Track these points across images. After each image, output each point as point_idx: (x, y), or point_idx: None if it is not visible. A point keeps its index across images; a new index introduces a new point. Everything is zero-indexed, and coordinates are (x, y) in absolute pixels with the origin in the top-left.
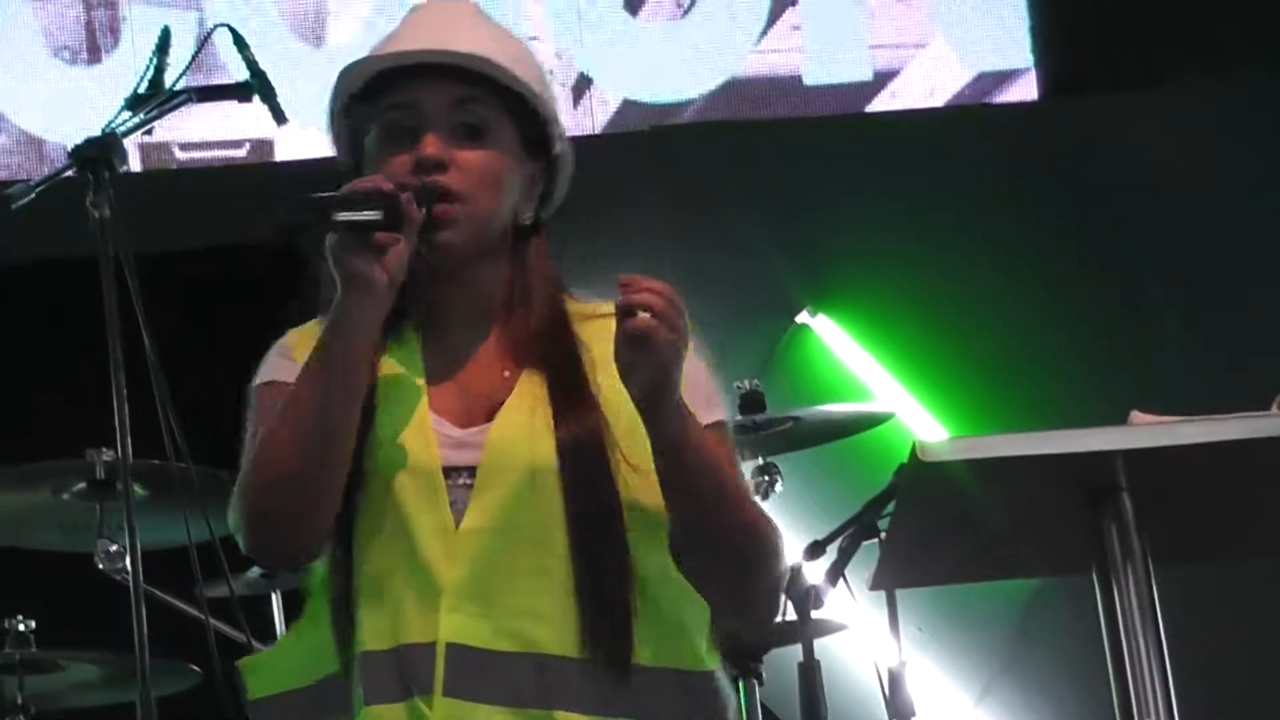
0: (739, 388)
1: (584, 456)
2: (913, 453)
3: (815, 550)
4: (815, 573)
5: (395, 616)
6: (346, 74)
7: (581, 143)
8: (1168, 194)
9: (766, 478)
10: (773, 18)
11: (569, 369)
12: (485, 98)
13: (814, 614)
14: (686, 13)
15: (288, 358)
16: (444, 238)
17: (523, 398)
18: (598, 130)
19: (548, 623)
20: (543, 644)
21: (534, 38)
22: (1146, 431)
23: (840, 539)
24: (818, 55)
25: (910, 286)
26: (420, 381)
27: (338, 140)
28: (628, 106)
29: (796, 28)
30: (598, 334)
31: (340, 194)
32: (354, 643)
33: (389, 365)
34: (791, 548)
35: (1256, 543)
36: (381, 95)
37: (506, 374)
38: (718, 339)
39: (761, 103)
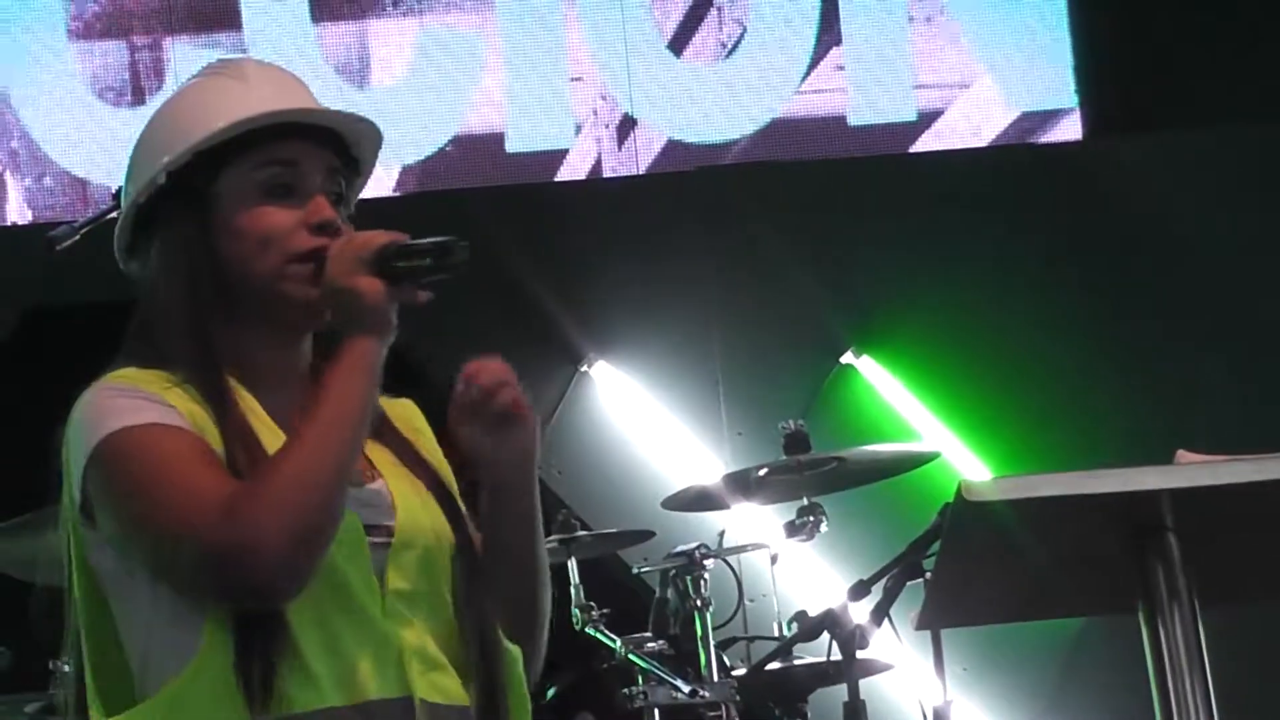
0: (784, 428)
1: (463, 524)
2: (958, 492)
3: (860, 590)
4: (860, 612)
5: (352, 671)
6: (201, 127)
7: (627, 183)
8: (1208, 234)
9: (811, 518)
10: (817, 58)
11: (403, 439)
12: (343, 169)
13: (859, 654)
14: (730, 53)
15: (153, 400)
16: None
17: (386, 465)
18: (642, 171)
19: (460, 679)
20: (464, 699)
21: (578, 78)
22: (1193, 471)
23: (885, 579)
24: (862, 95)
25: (954, 327)
26: (282, 434)
27: (146, 187)
28: (672, 147)
29: (840, 68)
30: (396, 414)
31: (414, 243)
32: (294, 699)
33: (244, 411)
34: (836, 587)
35: None
36: (248, 150)
37: None
38: (762, 379)
39: (806, 143)
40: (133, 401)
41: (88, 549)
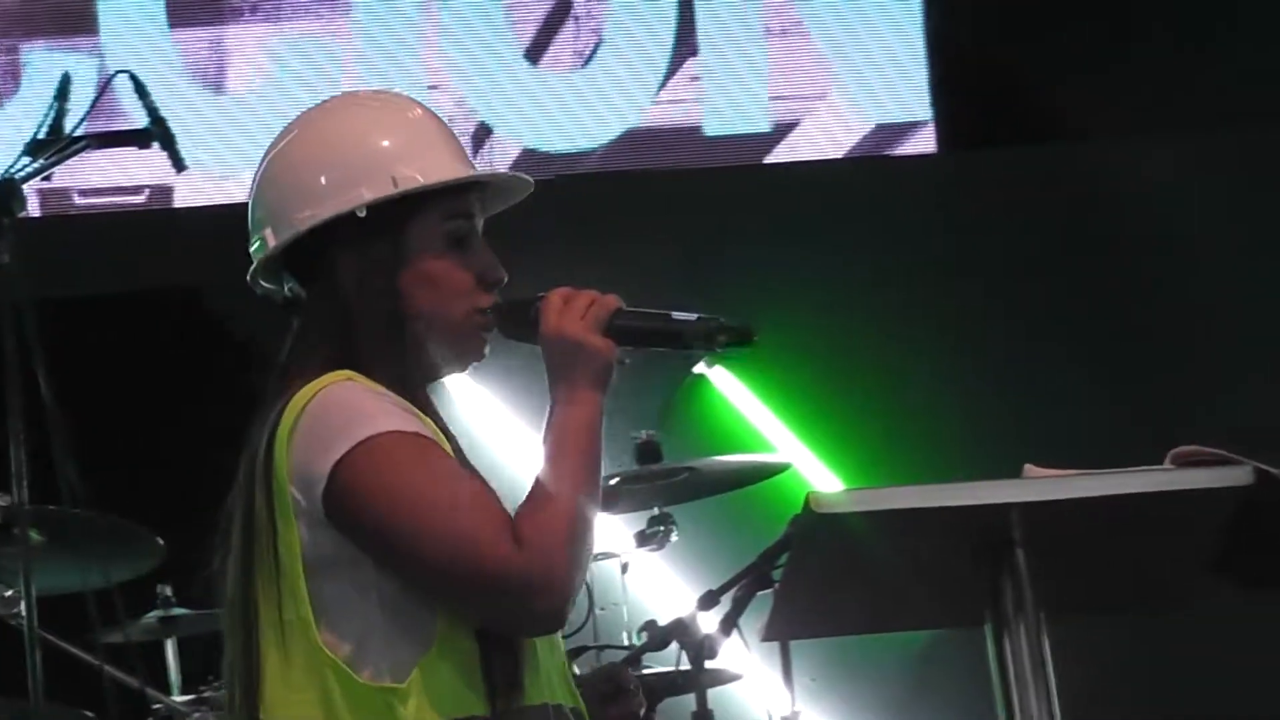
0: (636, 438)
1: None
2: (806, 504)
3: (710, 600)
4: (710, 622)
5: (549, 674)
6: (414, 168)
7: None
8: (1063, 246)
9: (662, 527)
10: (673, 68)
11: None
12: None
13: (708, 663)
14: (587, 63)
15: (403, 409)
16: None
17: None
18: None
19: None
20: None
21: (434, 86)
22: (1040, 485)
23: (735, 589)
24: (717, 106)
25: (807, 338)
26: None
27: (382, 217)
28: (528, 156)
29: (696, 79)
30: None
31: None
32: (528, 692)
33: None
34: (686, 597)
35: (1149, 597)
36: (440, 198)
37: None
38: (615, 389)
39: (662, 153)
40: (388, 405)
41: (299, 532)
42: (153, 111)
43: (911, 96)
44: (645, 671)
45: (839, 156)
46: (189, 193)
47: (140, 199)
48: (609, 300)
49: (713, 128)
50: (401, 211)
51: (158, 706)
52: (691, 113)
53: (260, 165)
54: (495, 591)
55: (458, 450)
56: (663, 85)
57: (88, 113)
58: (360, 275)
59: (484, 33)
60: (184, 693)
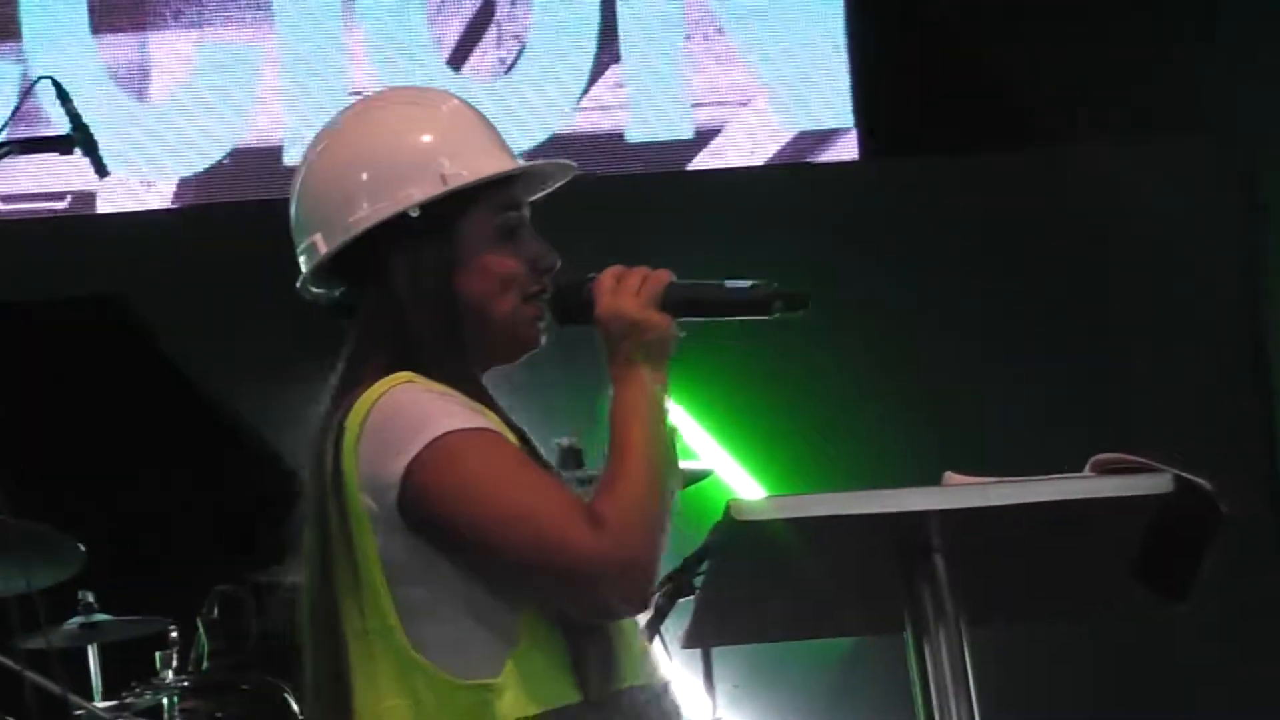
0: (559, 443)
1: None
2: (727, 511)
3: None
4: None
5: (629, 656)
6: (461, 164)
7: None
8: (983, 252)
9: None
10: (595, 75)
11: None
12: None
13: None
14: (510, 69)
15: (467, 406)
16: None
17: None
18: None
19: None
20: None
21: (357, 93)
22: (960, 492)
23: (656, 596)
24: (640, 113)
25: (729, 344)
26: None
27: (436, 210)
28: None
29: (619, 85)
30: None
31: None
32: (624, 675)
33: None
34: None
35: (1069, 604)
36: (492, 192)
37: None
38: (539, 394)
39: (584, 159)
40: (454, 404)
41: (375, 539)
42: (75, 118)
43: (834, 104)
44: None
45: (762, 163)
46: (112, 199)
47: (62, 205)
48: (661, 275)
49: (636, 134)
50: (452, 208)
51: (80, 713)
52: (614, 119)
53: (301, 169)
54: (578, 578)
55: (525, 441)
56: (585, 92)
57: (10, 118)
58: (413, 275)
59: (406, 41)
60: (105, 699)
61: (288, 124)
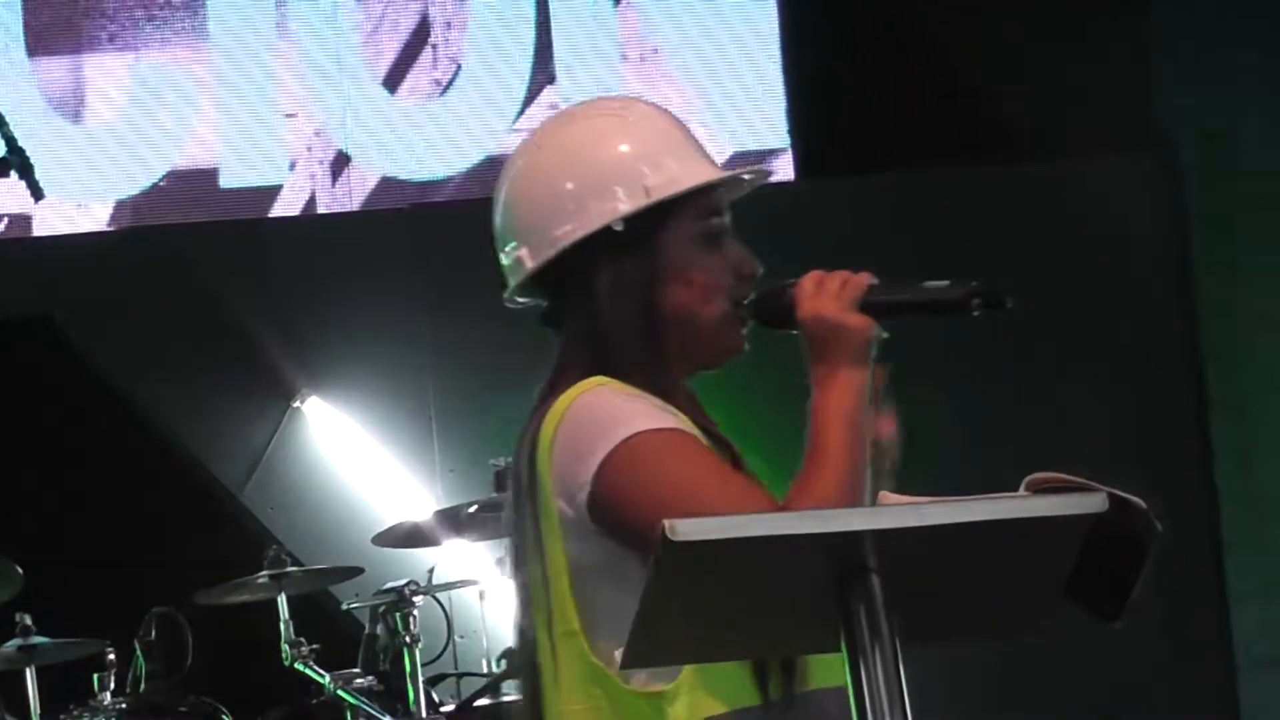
0: (495, 465)
1: None
2: (662, 531)
3: None
4: None
5: (810, 659)
6: (662, 175)
7: (340, 220)
8: (919, 273)
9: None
10: (530, 95)
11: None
12: None
13: None
14: (445, 91)
15: (659, 407)
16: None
17: None
18: (356, 207)
19: None
20: None
21: (292, 114)
22: (895, 512)
23: None
24: None
25: None
26: None
27: (635, 221)
28: (386, 184)
29: (554, 106)
30: None
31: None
32: (808, 677)
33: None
34: None
35: (1005, 625)
36: (693, 199)
37: None
38: (475, 417)
39: None
40: (645, 406)
41: (565, 543)
42: (10, 140)
43: (769, 124)
44: (505, 699)
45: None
46: (49, 221)
47: None
48: (861, 278)
49: None
50: (656, 218)
51: None
52: None
53: (504, 179)
54: None
55: (726, 448)
56: (521, 112)
57: None
58: (617, 286)
59: (341, 62)
60: None
61: (223, 146)
